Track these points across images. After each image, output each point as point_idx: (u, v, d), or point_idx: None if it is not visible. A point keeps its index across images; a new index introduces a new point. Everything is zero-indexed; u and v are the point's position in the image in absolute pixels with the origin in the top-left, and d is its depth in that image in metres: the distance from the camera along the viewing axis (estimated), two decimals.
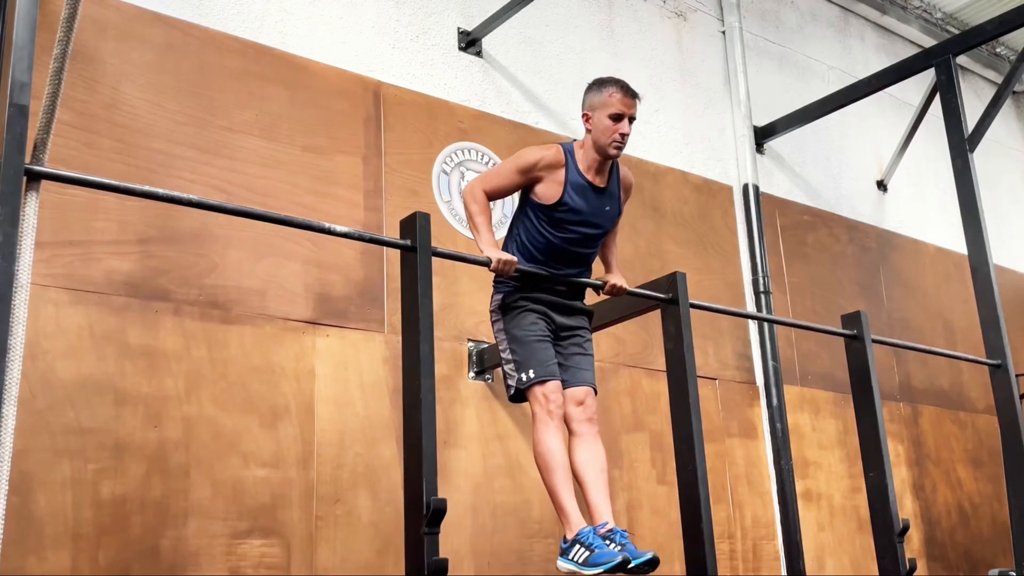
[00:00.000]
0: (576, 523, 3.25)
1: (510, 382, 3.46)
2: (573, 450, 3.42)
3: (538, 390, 3.38)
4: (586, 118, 3.54)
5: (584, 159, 3.53)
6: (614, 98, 3.47)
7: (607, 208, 3.58)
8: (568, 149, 3.55)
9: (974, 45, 5.90)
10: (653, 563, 3.16)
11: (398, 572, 3.81)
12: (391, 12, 4.89)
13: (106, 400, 3.55)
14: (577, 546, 3.20)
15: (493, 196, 3.54)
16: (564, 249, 3.53)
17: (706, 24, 6.48)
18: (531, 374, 3.38)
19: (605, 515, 3.31)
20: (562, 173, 3.49)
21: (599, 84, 3.55)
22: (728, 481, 5.43)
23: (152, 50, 4.05)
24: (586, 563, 3.15)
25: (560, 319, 3.54)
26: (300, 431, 3.97)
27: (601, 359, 5.01)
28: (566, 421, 3.44)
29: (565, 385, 3.46)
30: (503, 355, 3.49)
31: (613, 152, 3.49)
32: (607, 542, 3.21)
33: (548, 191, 3.48)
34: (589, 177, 3.52)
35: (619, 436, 5.01)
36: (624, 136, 3.47)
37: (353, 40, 4.70)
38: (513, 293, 3.51)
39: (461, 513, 4.25)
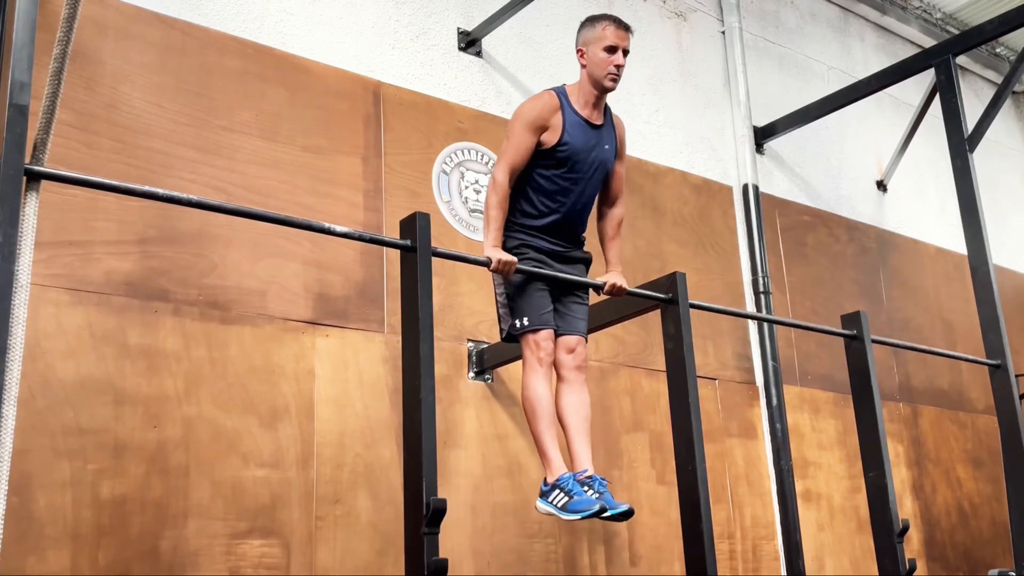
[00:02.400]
0: (557, 468, 3.34)
1: (503, 325, 3.55)
2: (560, 395, 3.51)
3: (530, 337, 3.46)
4: (580, 54, 3.65)
5: (580, 97, 3.63)
6: (608, 31, 3.59)
7: (606, 146, 3.67)
8: (560, 91, 3.64)
9: (974, 45, 5.90)
10: (628, 514, 3.25)
11: (398, 572, 3.80)
12: (391, 12, 4.89)
13: (106, 400, 3.55)
14: (557, 491, 3.30)
15: (517, 169, 3.56)
16: (568, 189, 3.59)
17: (706, 24, 6.48)
18: (525, 321, 3.47)
19: (585, 462, 3.40)
20: (559, 115, 3.57)
21: (592, 20, 3.67)
22: (728, 481, 5.43)
23: (152, 50, 4.05)
24: (564, 508, 3.26)
25: (559, 267, 3.61)
26: (300, 431, 3.97)
27: (601, 359, 5.02)
28: (555, 366, 3.53)
29: (558, 332, 3.54)
30: (499, 299, 3.57)
31: (609, 84, 3.59)
32: (585, 488, 3.29)
33: (550, 135, 3.56)
34: (585, 114, 3.62)
35: (619, 436, 5.01)
36: (619, 68, 3.58)
37: (353, 40, 4.70)
38: (512, 239, 3.57)
39: (461, 513, 4.25)
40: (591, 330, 3.79)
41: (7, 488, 2.33)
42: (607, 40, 3.57)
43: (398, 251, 3.28)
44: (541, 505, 3.36)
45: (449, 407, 4.40)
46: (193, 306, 3.85)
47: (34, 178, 2.56)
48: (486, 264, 3.39)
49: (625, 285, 3.68)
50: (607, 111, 3.73)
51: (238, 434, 3.81)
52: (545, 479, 3.38)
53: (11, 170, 2.44)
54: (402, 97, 4.77)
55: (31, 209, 2.53)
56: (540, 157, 3.56)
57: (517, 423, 4.59)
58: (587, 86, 3.63)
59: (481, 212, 4.77)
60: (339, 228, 3.17)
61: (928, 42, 7.79)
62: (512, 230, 3.58)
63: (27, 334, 2.51)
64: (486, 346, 4.58)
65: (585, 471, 3.37)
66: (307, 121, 4.40)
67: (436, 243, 3.25)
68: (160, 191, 2.87)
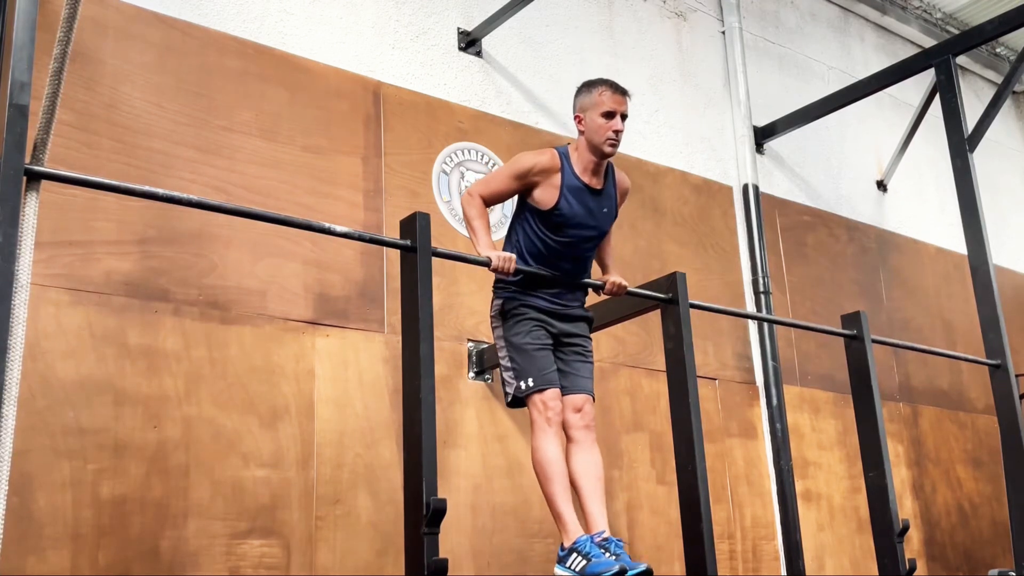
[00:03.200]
0: (573, 531, 3.27)
1: (508, 389, 3.47)
2: (570, 457, 3.43)
3: (537, 398, 3.39)
4: (578, 120, 3.56)
5: (579, 161, 3.54)
6: (604, 96, 3.50)
7: (604, 210, 3.60)
8: (563, 153, 3.56)
9: (974, 45, 5.91)
10: (647, 574, 3.18)
11: (398, 572, 3.80)
12: (391, 12, 4.89)
13: (106, 400, 3.55)
14: (574, 555, 3.22)
15: (490, 201, 3.55)
16: (562, 252, 3.54)
17: (706, 24, 6.48)
18: (530, 382, 3.40)
19: (601, 524, 3.34)
20: (558, 177, 3.49)
21: (588, 85, 3.59)
22: (728, 481, 5.43)
23: (152, 50, 4.05)
24: (583, 572, 3.18)
25: (560, 325, 3.54)
26: (300, 431, 3.97)
27: (601, 359, 5.01)
28: (564, 428, 3.45)
29: (564, 392, 3.47)
30: (502, 362, 3.50)
31: (608, 150, 3.50)
32: (602, 551, 3.23)
33: (545, 196, 3.49)
34: (585, 179, 3.54)
35: (619, 436, 5.01)
36: (618, 133, 3.49)
37: (353, 40, 4.70)
38: (513, 299, 3.51)
39: (461, 513, 4.25)
40: (592, 330, 3.78)
41: (7, 488, 2.33)
42: (604, 106, 3.48)
43: (398, 251, 3.28)
44: (559, 571, 3.27)
45: (449, 407, 4.39)
46: (193, 306, 3.85)
47: (34, 178, 2.56)
48: (486, 264, 3.38)
49: (625, 283, 3.67)
50: (609, 170, 3.64)
51: (238, 434, 3.81)
52: (562, 544, 3.31)
53: (11, 170, 2.44)
54: (402, 97, 4.77)
55: (31, 209, 2.53)
56: (537, 218, 3.52)
57: (517, 423, 4.59)
58: (586, 152, 3.53)
59: None
60: (339, 228, 3.17)
61: (928, 42, 7.79)
62: (510, 290, 3.52)
63: (27, 334, 2.51)
64: (486, 346, 4.58)
65: (602, 533, 3.29)
66: (307, 121, 4.40)
67: (436, 243, 3.25)
68: (160, 191, 2.87)
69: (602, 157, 3.53)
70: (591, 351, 3.64)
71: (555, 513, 3.33)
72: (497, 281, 3.54)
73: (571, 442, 3.46)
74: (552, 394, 3.40)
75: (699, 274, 5.65)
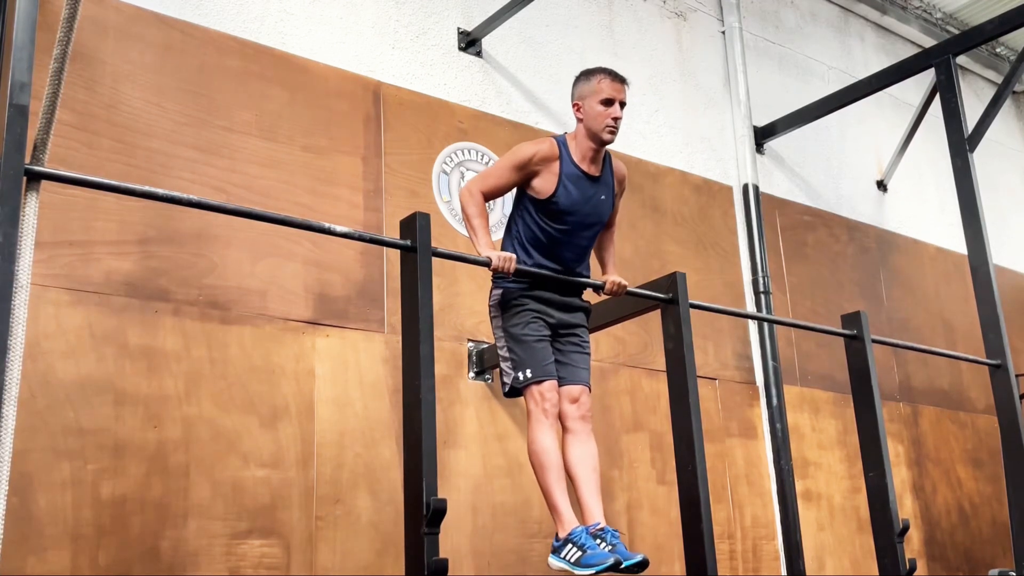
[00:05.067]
0: (569, 522, 3.28)
1: (506, 379, 3.49)
2: (566, 447, 3.45)
3: (534, 389, 3.41)
4: (577, 108, 3.58)
5: (578, 149, 3.57)
6: (603, 84, 3.53)
7: (602, 198, 3.61)
8: (561, 141, 3.58)
9: (974, 45, 5.90)
10: (643, 565, 3.19)
11: (398, 572, 3.80)
12: (391, 12, 4.89)
13: (106, 400, 3.55)
14: (569, 545, 3.24)
15: (491, 195, 3.56)
16: (562, 241, 3.55)
17: (706, 24, 6.48)
18: (528, 374, 3.41)
19: (597, 514, 3.35)
20: (556, 165, 3.51)
21: (587, 74, 3.62)
22: (728, 481, 5.43)
23: (152, 50, 4.05)
24: (578, 563, 3.19)
25: (559, 315, 3.55)
26: (300, 431, 3.97)
27: (601, 359, 5.01)
28: (560, 418, 3.47)
29: (561, 382, 3.49)
30: (500, 352, 3.52)
31: (607, 137, 3.53)
32: (598, 541, 3.24)
33: (544, 184, 3.51)
34: (583, 167, 3.56)
35: (619, 436, 5.01)
36: (616, 120, 3.52)
37: (353, 40, 4.70)
38: (512, 290, 3.52)
39: (461, 513, 4.25)
40: (592, 330, 3.79)
41: (7, 488, 2.33)
42: (603, 93, 3.51)
43: (398, 251, 3.28)
44: (553, 562, 3.29)
45: (449, 407, 4.39)
46: (193, 306, 3.85)
47: (34, 178, 2.56)
48: (486, 264, 3.38)
49: (625, 283, 3.67)
50: (607, 158, 3.66)
51: (238, 434, 3.81)
52: (556, 534, 3.32)
53: (11, 170, 2.44)
54: (402, 97, 4.77)
55: (31, 209, 2.53)
56: (536, 207, 3.53)
57: (517, 423, 4.59)
58: (584, 140, 3.55)
59: None
60: (339, 228, 3.17)
61: (928, 42, 7.79)
62: (509, 280, 3.52)
63: (27, 334, 2.51)
64: (486, 346, 4.58)
65: (597, 524, 3.31)
66: (307, 121, 4.40)
67: (436, 243, 3.24)
68: (160, 191, 2.87)
69: (601, 144, 3.56)
70: (588, 342, 3.65)
71: (550, 504, 3.34)
72: (496, 273, 3.54)
73: (567, 433, 3.48)
74: (549, 385, 3.42)
75: (699, 274, 5.65)
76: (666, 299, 3.78)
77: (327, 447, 4.02)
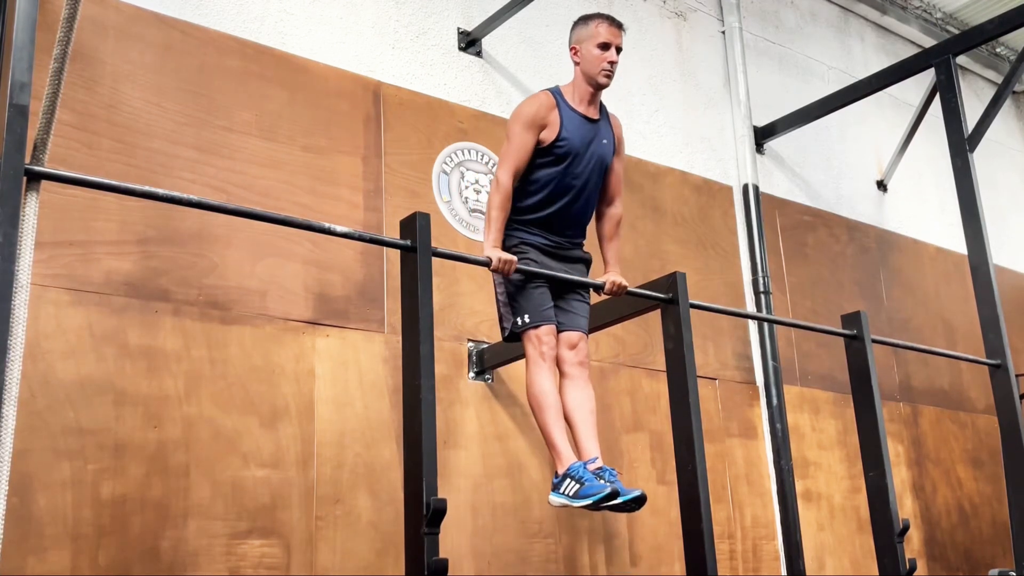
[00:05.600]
0: (567, 458, 3.36)
1: (505, 324, 3.57)
2: (564, 391, 3.52)
3: (532, 333, 3.49)
4: (574, 51, 3.70)
5: (575, 94, 3.67)
6: (600, 28, 3.65)
7: (604, 141, 3.70)
8: (555, 91, 3.69)
9: (974, 45, 5.90)
10: (640, 500, 3.25)
11: (398, 572, 3.81)
12: (391, 12, 4.89)
13: (106, 400, 3.55)
14: (568, 480, 3.31)
15: (520, 168, 3.58)
16: (567, 187, 3.60)
17: (706, 24, 6.48)
18: (526, 319, 3.49)
19: (594, 453, 3.43)
20: (556, 112, 3.61)
21: (585, 19, 3.73)
22: (728, 481, 5.43)
23: (152, 50, 4.05)
24: (576, 495, 3.27)
25: (558, 266, 3.62)
26: (300, 431, 3.97)
27: (601, 359, 5.02)
28: (558, 363, 3.54)
29: (559, 328, 3.56)
30: (499, 298, 3.58)
31: (603, 80, 3.64)
32: (596, 477, 3.30)
33: (547, 132, 3.59)
34: (581, 110, 3.66)
35: (619, 436, 5.01)
36: (613, 64, 3.63)
37: (353, 40, 4.70)
38: (511, 237, 3.59)
39: (461, 513, 4.25)
40: (592, 330, 3.79)
41: (7, 488, 2.33)
42: (600, 37, 3.62)
43: (398, 251, 3.28)
44: (554, 498, 3.37)
45: (449, 407, 4.39)
46: (193, 306, 3.85)
47: (34, 178, 2.56)
48: (486, 264, 3.39)
49: (625, 283, 3.68)
50: (603, 108, 3.76)
51: (238, 434, 3.81)
52: (556, 472, 3.40)
53: (11, 170, 2.44)
54: (402, 97, 4.77)
55: (31, 209, 2.53)
56: (539, 155, 3.58)
57: (517, 423, 4.59)
58: (581, 83, 3.67)
59: (482, 212, 4.77)
60: (339, 228, 3.17)
61: (928, 42, 7.79)
62: (511, 228, 3.59)
63: (27, 334, 2.51)
64: (486, 346, 4.58)
65: (595, 460, 3.39)
66: (307, 121, 4.40)
67: (436, 243, 3.24)
68: (160, 191, 2.87)
69: (597, 88, 3.66)
70: (588, 292, 3.71)
71: (549, 442, 3.42)
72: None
73: (565, 377, 3.56)
74: (547, 330, 3.49)
75: (699, 274, 5.65)
76: (666, 299, 3.78)
77: (327, 447, 4.02)
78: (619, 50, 3.65)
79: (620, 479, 3.37)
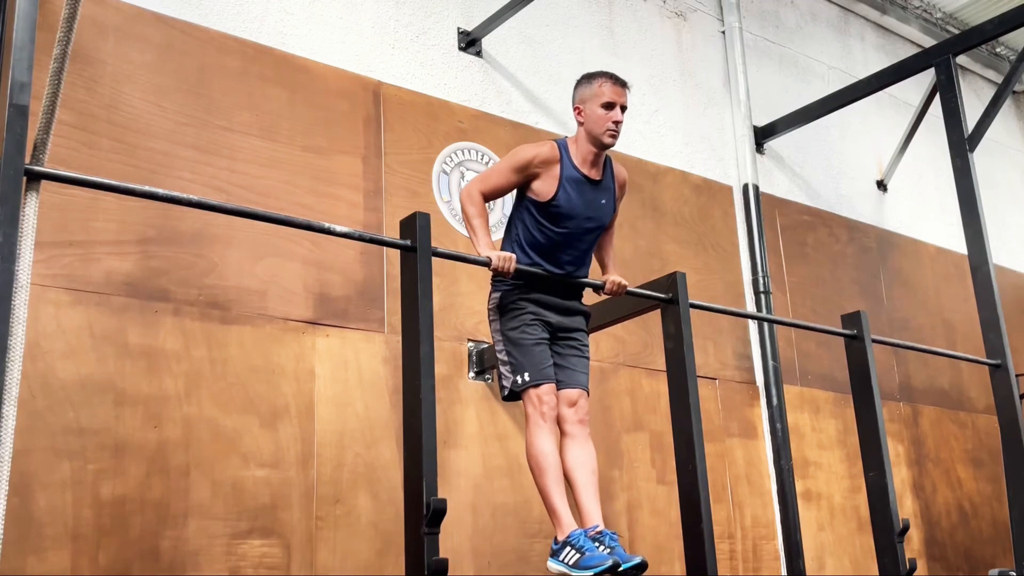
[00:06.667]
0: (567, 525, 3.28)
1: (504, 383, 3.48)
2: (565, 451, 3.45)
3: (532, 392, 3.40)
4: (578, 111, 3.59)
5: (578, 153, 3.56)
6: (604, 88, 3.54)
7: (603, 202, 3.61)
8: (562, 144, 3.58)
9: (974, 45, 5.90)
10: (641, 567, 3.18)
11: (398, 572, 3.80)
12: (391, 12, 4.89)
13: (106, 400, 3.55)
14: (568, 548, 3.23)
15: (490, 196, 3.56)
16: (562, 244, 3.54)
17: (706, 24, 6.48)
18: (526, 377, 3.41)
19: (595, 517, 3.34)
20: (557, 168, 3.51)
21: (588, 77, 3.62)
22: (728, 481, 5.43)
23: (152, 50, 4.05)
24: (576, 565, 3.19)
25: (557, 319, 3.54)
26: (300, 431, 3.97)
27: (601, 359, 5.02)
28: (558, 422, 3.47)
29: (559, 386, 3.48)
30: (499, 356, 3.51)
31: (608, 141, 3.53)
32: (596, 544, 3.24)
33: (544, 187, 3.50)
34: (584, 171, 3.55)
35: (619, 436, 5.01)
36: (617, 124, 3.52)
37: (353, 40, 4.70)
38: (511, 293, 3.51)
39: (461, 513, 4.25)
40: (592, 330, 3.79)
41: (7, 488, 2.33)
42: (604, 97, 3.51)
43: (398, 251, 3.28)
44: (552, 565, 3.28)
45: (449, 407, 4.39)
46: (193, 306, 3.85)
47: (34, 178, 2.56)
48: (486, 264, 3.38)
49: (625, 283, 3.67)
50: (607, 162, 3.66)
51: (238, 434, 3.81)
52: (555, 538, 3.32)
53: (11, 170, 2.44)
54: (402, 97, 4.77)
55: (31, 209, 2.53)
56: (536, 210, 3.52)
57: (517, 423, 4.59)
58: (585, 144, 3.55)
59: None
60: (339, 228, 3.17)
61: (928, 42, 7.79)
62: (508, 284, 3.52)
63: (27, 334, 2.51)
64: (486, 346, 4.58)
65: (596, 527, 3.31)
66: (307, 121, 4.40)
67: (436, 243, 3.24)
68: (160, 191, 2.87)
69: (601, 148, 3.56)
70: (587, 346, 3.65)
71: (549, 507, 3.34)
72: (495, 275, 3.54)
73: (565, 436, 3.48)
74: (547, 389, 3.41)
75: (699, 274, 5.65)
76: (666, 299, 3.78)
77: (327, 447, 4.02)
78: (624, 109, 3.55)
79: (621, 543, 3.31)
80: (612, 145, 3.55)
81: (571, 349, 3.57)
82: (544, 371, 3.42)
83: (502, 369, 3.49)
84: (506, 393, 3.49)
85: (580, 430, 3.48)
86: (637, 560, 3.17)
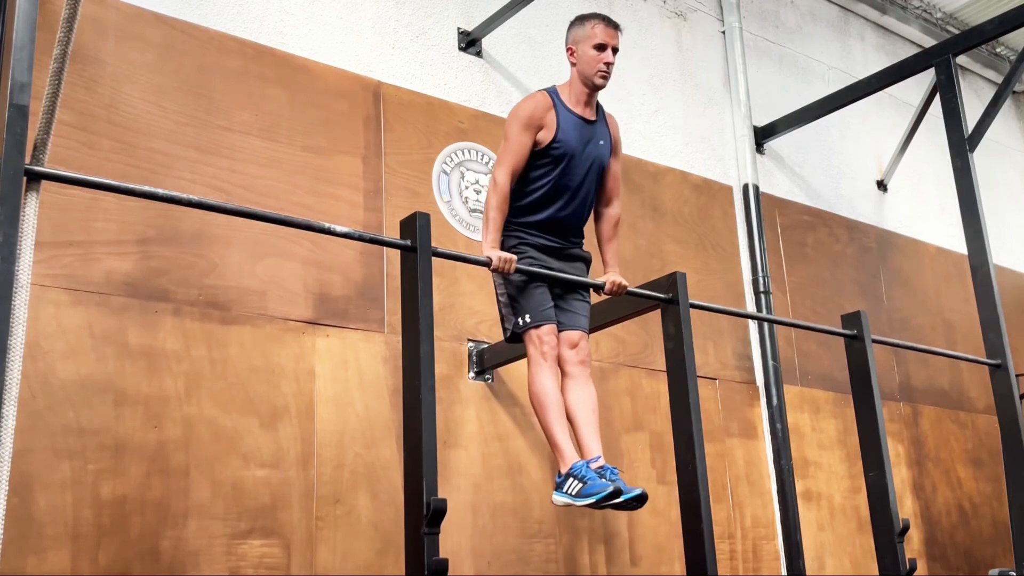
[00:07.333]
0: (570, 457, 3.37)
1: (506, 325, 3.59)
2: (566, 391, 3.54)
3: (533, 333, 3.50)
4: (570, 52, 3.69)
5: (571, 95, 3.67)
6: (597, 29, 3.64)
7: (601, 142, 3.70)
8: (552, 91, 3.68)
9: (974, 45, 5.90)
10: (642, 498, 3.28)
11: (398, 572, 3.81)
12: (391, 12, 4.89)
13: (106, 400, 3.55)
14: (570, 479, 3.33)
15: (517, 170, 3.58)
16: (564, 188, 3.60)
17: (706, 24, 6.48)
18: (527, 318, 3.50)
19: (596, 452, 3.44)
20: (553, 113, 3.61)
21: (581, 18, 3.72)
22: (728, 481, 5.43)
23: (152, 50, 4.05)
24: (579, 494, 3.29)
25: (559, 265, 3.63)
26: (300, 431, 3.97)
27: (601, 359, 5.02)
28: (559, 363, 3.56)
29: (560, 328, 3.57)
30: (500, 299, 3.60)
31: (599, 81, 3.63)
32: (598, 476, 3.31)
33: (543, 134, 3.59)
34: (578, 111, 3.66)
35: (619, 436, 5.01)
36: (609, 65, 3.62)
37: (353, 40, 4.70)
38: (511, 237, 3.59)
39: (461, 513, 4.25)
40: (592, 330, 3.79)
41: (7, 488, 2.33)
42: (596, 38, 3.61)
43: (398, 251, 3.28)
44: (557, 497, 3.38)
45: (449, 407, 4.39)
46: (193, 306, 3.85)
47: (34, 178, 2.56)
48: (486, 264, 3.39)
49: (626, 283, 3.68)
50: (600, 108, 3.76)
51: (238, 434, 3.81)
52: (559, 471, 3.41)
53: (11, 170, 2.44)
54: (402, 97, 4.77)
55: (31, 209, 2.53)
56: (535, 157, 3.58)
57: (517, 423, 4.59)
58: (578, 84, 3.66)
59: (481, 212, 4.77)
60: (339, 228, 3.17)
61: (928, 42, 7.79)
62: (509, 229, 3.60)
63: (27, 334, 2.51)
64: (486, 346, 4.58)
65: (597, 459, 3.40)
66: (307, 121, 4.40)
67: (436, 243, 3.24)
68: (160, 191, 2.87)
69: (593, 89, 3.66)
70: (588, 291, 3.72)
71: (551, 441, 3.43)
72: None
73: (566, 376, 3.57)
74: (548, 329, 3.50)
75: (699, 274, 5.65)
76: (666, 299, 3.78)
77: (327, 447, 4.02)
78: (615, 51, 3.64)
79: (621, 477, 3.38)
80: (603, 86, 3.65)
81: (573, 292, 3.66)
82: (544, 312, 3.51)
83: (503, 311, 3.59)
84: (507, 335, 3.60)
85: (581, 371, 3.57)
86: (638, 491, 3.27)
